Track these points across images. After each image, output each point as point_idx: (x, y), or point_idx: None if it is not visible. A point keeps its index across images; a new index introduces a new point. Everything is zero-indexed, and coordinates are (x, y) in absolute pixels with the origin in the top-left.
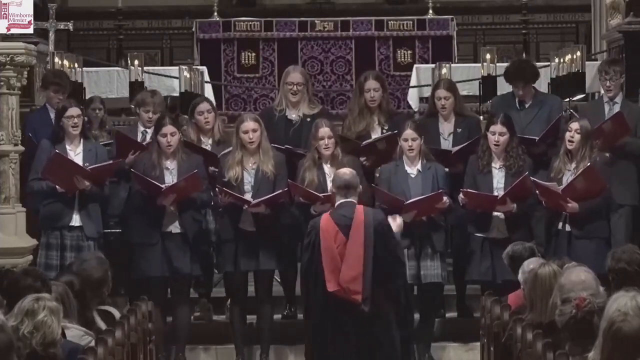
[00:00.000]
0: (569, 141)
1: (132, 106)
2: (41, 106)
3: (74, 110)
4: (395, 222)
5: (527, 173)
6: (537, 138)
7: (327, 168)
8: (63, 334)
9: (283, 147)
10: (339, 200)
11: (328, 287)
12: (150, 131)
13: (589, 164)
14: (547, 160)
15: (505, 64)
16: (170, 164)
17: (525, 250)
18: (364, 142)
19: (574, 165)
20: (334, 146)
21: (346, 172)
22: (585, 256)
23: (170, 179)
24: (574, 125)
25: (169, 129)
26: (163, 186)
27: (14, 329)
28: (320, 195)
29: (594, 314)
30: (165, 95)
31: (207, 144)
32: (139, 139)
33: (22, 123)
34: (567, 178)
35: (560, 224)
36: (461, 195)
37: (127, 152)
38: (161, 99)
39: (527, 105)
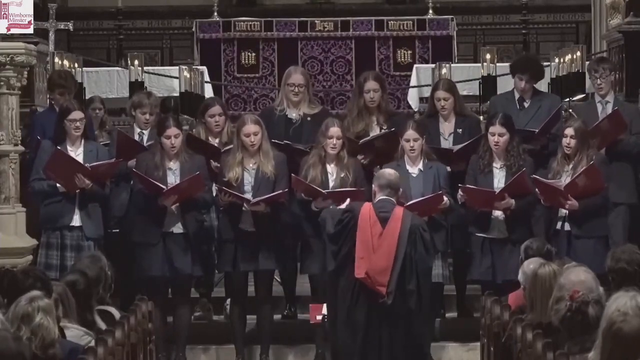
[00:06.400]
0: (566, 147)
1: (127, 108)
2: (47, 107)
3: (77, 114)
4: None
5: (524, 169)
6: (536, 130)
7: (330, 167)
8: (62, 333)
9: (282, 143)
10: (379, 197)
11: (356, 272)
12: (146, 132)
13: (592, 162)
14: (548, 155)
15: (506, 64)
16: (173, 165)
17: (543, 247)
18: (361, 141)
19: (571, 166)
20: (340, 147)
21: (391, 172)
22: (585, 255)
23: (172, 179)
24: (569, 131)
25: (173, 130)
26: (165, 187)
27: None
28: (323, 191)
29: (588, 304)
30: (165, 95)
31: (214, 144)
32: None
33: (30, 124)
34: (565, 179)
35: (560, 224)
36: (460, 192)
37: (129, 153)
38: (157, 100)
39: (526, 105)
